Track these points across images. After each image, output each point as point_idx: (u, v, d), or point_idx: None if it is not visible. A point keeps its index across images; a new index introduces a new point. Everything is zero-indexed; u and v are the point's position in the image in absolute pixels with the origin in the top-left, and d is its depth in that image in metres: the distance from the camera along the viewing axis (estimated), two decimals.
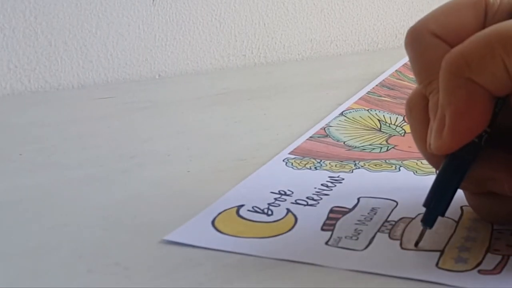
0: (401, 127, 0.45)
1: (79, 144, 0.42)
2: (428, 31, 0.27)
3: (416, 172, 0.35)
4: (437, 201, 0.26)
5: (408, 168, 0.36)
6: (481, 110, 0.24)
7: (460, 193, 0.27)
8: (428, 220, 0.26)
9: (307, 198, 0.32)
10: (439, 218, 0.27)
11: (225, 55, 0.69)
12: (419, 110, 0.27)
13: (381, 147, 0.40)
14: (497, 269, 0.25)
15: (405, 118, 0.29)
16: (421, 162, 0.37)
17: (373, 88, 0.54)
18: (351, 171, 0.36)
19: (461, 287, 0.24)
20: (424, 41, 0.27)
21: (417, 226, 0.28)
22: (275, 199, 0.32)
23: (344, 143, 0.41)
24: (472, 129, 0.25)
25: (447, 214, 0.26)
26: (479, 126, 0.25)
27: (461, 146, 0.25)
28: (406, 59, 0.64)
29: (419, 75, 0.27)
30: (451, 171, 0.26)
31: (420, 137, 0.27)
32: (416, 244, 0.27)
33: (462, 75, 0.24)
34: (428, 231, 0.27)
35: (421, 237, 0.27)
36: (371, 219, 0.29)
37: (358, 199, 0.32)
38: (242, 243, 0.27)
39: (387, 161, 0.37)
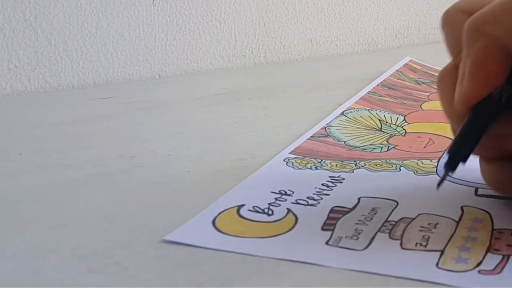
0: (402, 127, 0.45)
1: (79, 144, 0.42)
2: (459, 10, 0.30)
3: (416, 172, 0.35)
4: (460, 147, 0.27)
5: (408, 168, 0.36)
6: (496, 61, 0.27)
7: (460, 193, 0.27)
8: (451, 165, 0.27)
9: (308, 198, 0.32)
10: (440, 217, 0.28)
11: (225, 55, 0.69)
12: (449, 78, 0.30)
13: (381, 147, 0.40)
14: (497, 269, 0.25)
15: (435, 87, 0.30)
16: (422, 162, 0.37)
17: (373, 88, 0.54)
18: (351, 171, 0.36)
19: (461, 287, 0.24)
20: (455, 19, 0.30)
21: (418, 226, 0.28)
22: (276, 198, 0.32)
23: (344, 142, 0.41)
24: (490, 79, 0.27)
25: (448, 214, 0.27)
26: (496, 77, 0.27)
27: (481, 97, 0.27)
28: (406, 59, 0.65)
29: (452, 49, 0.30)
30: (474, 122, 0.28)
31: (449, 102, 0.29)
32: (438, 185, 0.28)
33: (478, 29, 0.27)
34: (428, 232, 0.28)
35: (443, 180, 0.28)
36: (371, 219, 0.29)
37: (359, 199, 0.32)
38: (242, 243, 0.27)
39: (387, 161, 0.37)
